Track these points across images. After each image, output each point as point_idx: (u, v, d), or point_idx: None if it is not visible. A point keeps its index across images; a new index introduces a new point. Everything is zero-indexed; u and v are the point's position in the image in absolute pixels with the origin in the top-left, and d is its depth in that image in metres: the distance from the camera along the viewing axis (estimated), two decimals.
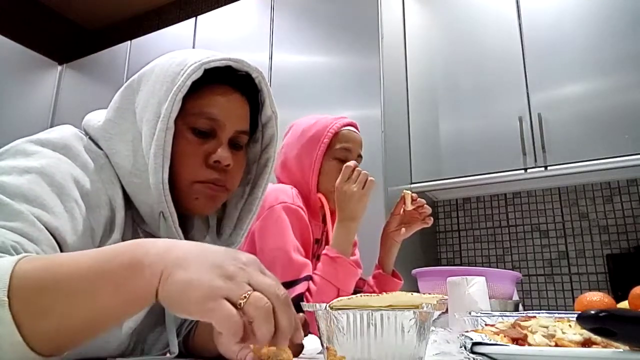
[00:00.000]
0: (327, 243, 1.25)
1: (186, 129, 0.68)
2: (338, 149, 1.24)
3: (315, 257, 1.29)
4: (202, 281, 0.40)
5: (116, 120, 0.70)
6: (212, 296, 0.39)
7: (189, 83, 0.65)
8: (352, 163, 1.16)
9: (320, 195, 1.24)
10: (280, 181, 1.31)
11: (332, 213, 1.26)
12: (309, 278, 1.11)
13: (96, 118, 0.73)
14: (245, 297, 0.39)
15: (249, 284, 0.41)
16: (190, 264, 0.41)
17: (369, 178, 1.14)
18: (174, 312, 0.42)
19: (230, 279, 0.40)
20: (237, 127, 0.71)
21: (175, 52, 0.72)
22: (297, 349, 0.58)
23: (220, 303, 0.39)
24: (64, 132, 0.67)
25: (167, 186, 0.65)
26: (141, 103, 0.69)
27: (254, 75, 0.73)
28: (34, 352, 0.41)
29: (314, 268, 1.24)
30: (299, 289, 1.09)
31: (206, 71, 0.67)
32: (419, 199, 1.32)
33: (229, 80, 0.71)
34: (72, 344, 0.44)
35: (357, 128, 1.30)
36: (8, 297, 0.40)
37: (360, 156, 1.30)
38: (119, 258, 0.43)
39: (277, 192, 1.20)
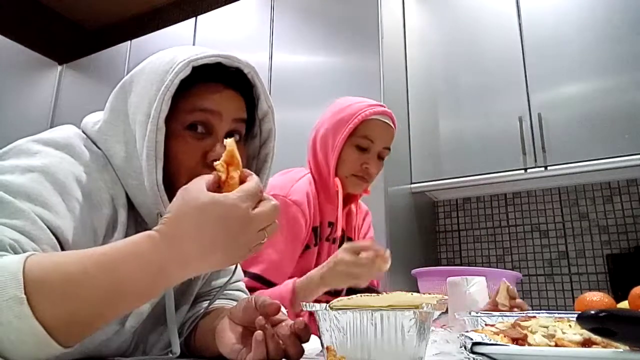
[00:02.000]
0: (349, 234, 1.30)
1: (181, 129, 0.67)
2: (360, 137, 1.22)
3: (331, 241, 1.31)
4: (227, 256, 0.53)
5: (111, 122, 0.69)
6: (240, 255, 0.53)
7: (177, 82, 0.64)
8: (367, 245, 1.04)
9: (337, 179, 1.23)
10: (308, 162, 1.31)
11: (346, 198, 1.28)
12: (251, 275, 1.10)
13: (93, 120, 0.72)
14: (261, 242, 0.54)
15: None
16: (213, 250, 0.51)
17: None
18: None
19: (245, 245, 0.52)
20: (233, 115, 0.69)
21: (166, 51, 0.71)
22: (298, 353, 0.58)
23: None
24: (67, 132, 0.67)
25: (162, 187, 0.64)
26: (133, 104, 0.68)
27: (245, 71, 0.71)
28: (55, 341, 0.45)
29: (330, 251, 1.27)
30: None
31: (197, 69, 0.66)
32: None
33: (221, 78, 0.69)
34: (93, 332, 0.49)
35: (391, 117, 1.27)
36: (25, 294, 0.43)
37: (387, 149, 1.27)
38: (136, 262, 0.49)
39: (274, 184, 1.20)
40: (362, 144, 1.22)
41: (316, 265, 1.26)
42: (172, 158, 0.66)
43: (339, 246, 1.33)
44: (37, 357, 0.45)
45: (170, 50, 0.70)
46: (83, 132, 0.72)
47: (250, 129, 0.78)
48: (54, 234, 0.55)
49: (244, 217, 0.51)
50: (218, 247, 0.51)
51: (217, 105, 0.68)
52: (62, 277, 0.46)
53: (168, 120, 0.64)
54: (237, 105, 0.71)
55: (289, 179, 1.24)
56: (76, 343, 0.47)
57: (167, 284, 0.51)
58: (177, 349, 0.68)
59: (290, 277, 1.21)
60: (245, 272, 1.09)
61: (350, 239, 1.36)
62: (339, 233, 1.25)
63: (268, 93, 0.75)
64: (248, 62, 0.71)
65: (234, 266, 0.82)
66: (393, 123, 1.28)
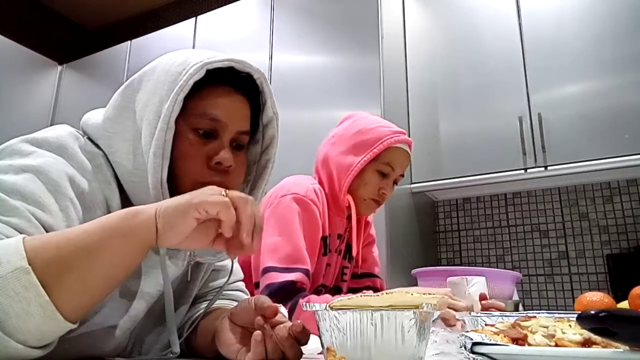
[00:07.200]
0: (349, 241, 1.30)
1: (188, 130, 0.67)
2: (383, 163, 1.24)
3: (338, 252, 1.30)
4: (191, 201, 0.52)
5: (116, 119, 0.69)
6: (204, 202, 0.52)
7: (191, 83, 0.65)
8: None
9: (349, 197, 1.24)
10: (317, 172, 1.31)
11: (359, 218, 1.28)
12: (305, 272, 1.10)
13: (95, 117, 0.72)
14: (225, 192, 0.54)
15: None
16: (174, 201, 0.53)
17: None
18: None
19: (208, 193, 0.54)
20: (239, 127, 0.70)
21: (177, 52, 0.71)
22: (296, 355, 0.58)
23: (211, 197, 0.52)
24: (60, 132, 0.66)
25: (165, 186, 0.65)
26: (142, 102, 0.68)
27: (255, 77, 0.72)
28: (60, 314, 0.46)
29: (335, 261, 1.27)
30: (292, 277, 1.08)
31: (208, 71, 0.66)
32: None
33: (231, 81, 0.70)
34: (93, 301, 0.51)
35: (410, 147, 1.29)
36: (30, 265, 0.45)
37: (402, 175, 1.29)
38: (115, 215, 0.52)
39: (290, 184, 1.21)
40: (384, 170, 1.24)
41: (325, 276, 1.26)
42: (176, 158, 0.66)
43: (344, 256, 1.34)
44: (42, 333, 0.46)
45: (182, 52, 0.71)
46: (83, 129, 0.72)
47: (253, 134, 0.78)
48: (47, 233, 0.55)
49: (214, 188, 0.55)
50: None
51: (225, 116, 0.69)
52: (57, 239, 0.49)
53: (176, 120, 0.65)
54: (244, 114, 0.72)
55: (303, 182, 1.24)
56: (79, 317, 0.49)
57: (147, 238, 0.52)
58: (176, 349, 0.68)
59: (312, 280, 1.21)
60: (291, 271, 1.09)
61: (350, 246, 1.36)
62: (344, 246, 1.27)
63: (275, 100, 0.76)
64: (259, 68, 0.72)
65: (231, 266, 0.82)
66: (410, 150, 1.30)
